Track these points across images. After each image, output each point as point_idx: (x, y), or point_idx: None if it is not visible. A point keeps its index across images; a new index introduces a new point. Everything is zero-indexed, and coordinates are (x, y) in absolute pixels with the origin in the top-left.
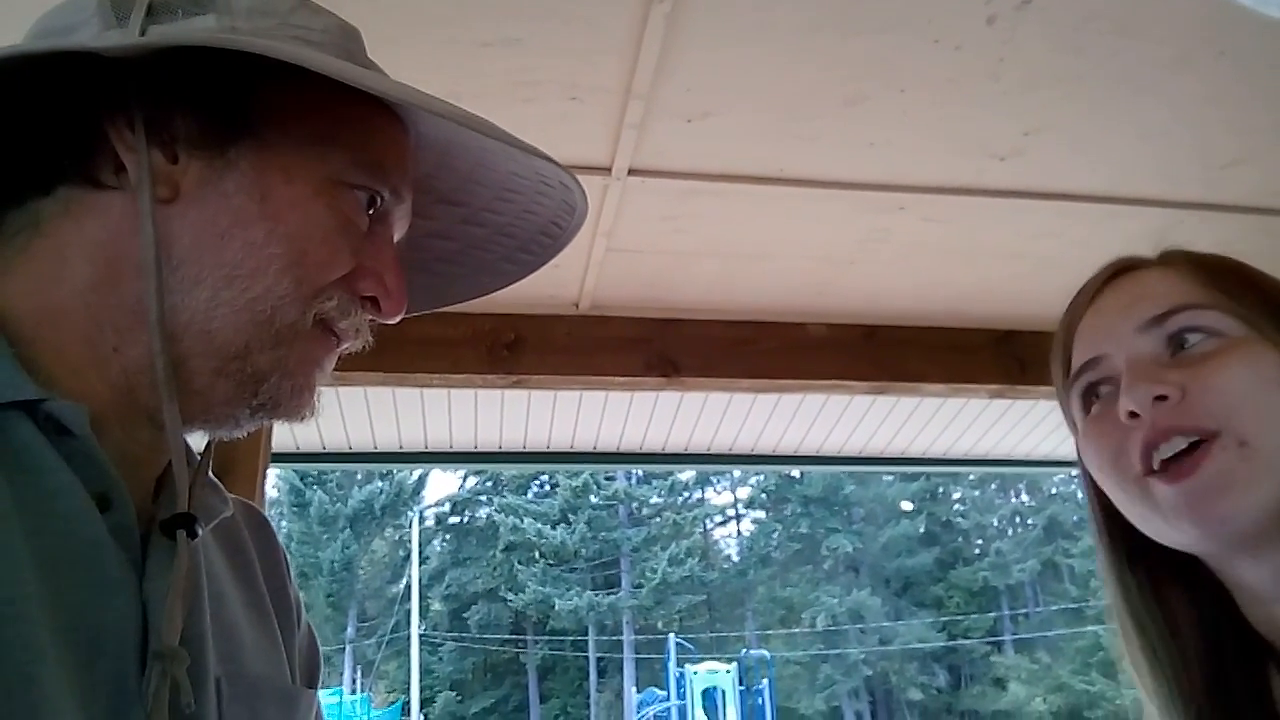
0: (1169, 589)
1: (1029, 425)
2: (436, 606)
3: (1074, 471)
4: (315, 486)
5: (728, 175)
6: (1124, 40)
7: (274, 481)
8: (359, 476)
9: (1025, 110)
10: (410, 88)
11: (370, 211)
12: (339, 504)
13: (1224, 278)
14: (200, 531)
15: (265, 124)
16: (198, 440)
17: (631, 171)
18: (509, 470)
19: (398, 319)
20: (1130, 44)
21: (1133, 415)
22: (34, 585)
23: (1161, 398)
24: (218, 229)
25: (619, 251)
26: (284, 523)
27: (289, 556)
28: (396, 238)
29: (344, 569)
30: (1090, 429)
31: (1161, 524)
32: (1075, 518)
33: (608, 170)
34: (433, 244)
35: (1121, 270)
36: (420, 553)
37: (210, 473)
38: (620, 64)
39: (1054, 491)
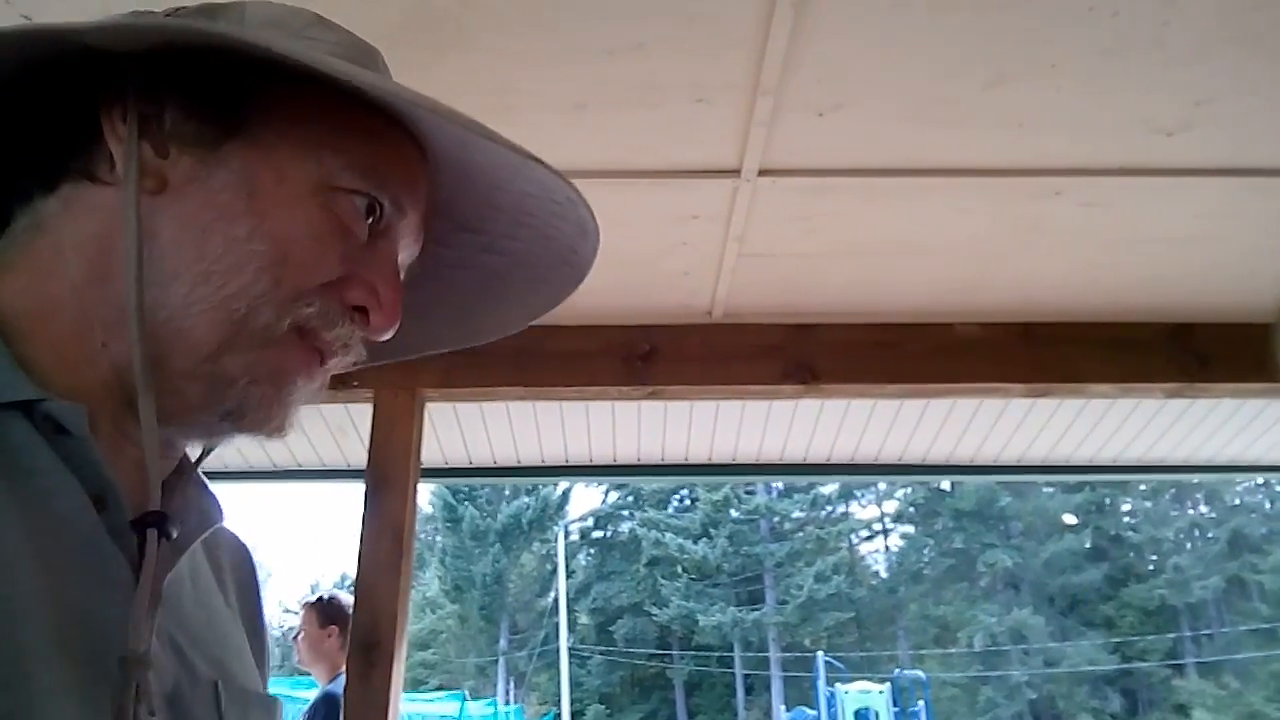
0: None
1: (1211, 427)
2: (584, 620)
3: (1260, 480)
4: (467, 502)
5: (863, 170)
6: None
7: (428, 498)
8: (507, 492)
9: (1195, 79)
10: (403, 86)
11: (370, 220)
12: (489, 519)
13: None
14: (174, 534)
15: (261, 124)
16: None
17: (762, 172)
18: (648, 484)
19: (388, 334)
20: None
21: None
22: (31, 584)
23: None
24: (200, 223)
25: (751, 256)
26: (438, 538)
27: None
28: (403, 255)
29: (495, 582)
30: None
31: None
32: (1264, 530)
33: (736, 172)
34: (456, 274)
35: None
36: (566, 567)
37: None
38: (747, 60)
39: (1237, 502)
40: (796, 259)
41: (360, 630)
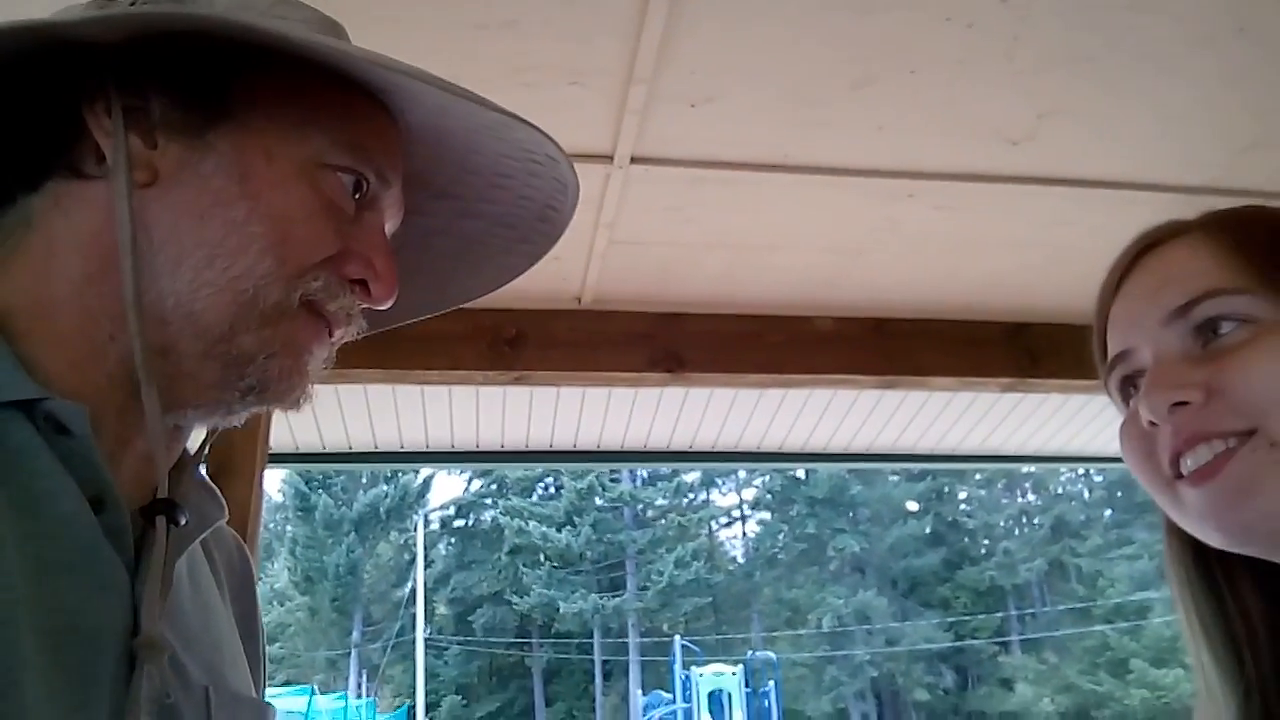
0: (1239, 576)
1: (1040, 419)
2: (442, 610)
3: (1081, 469)
4: (320, 490)
5: (732, 162)
6: (1142, 16)
7: (279, 485)
8: (364, 480)
9: (1039, 91)
10: (379, 54)
11: (356, 196)
12: (344, 508)
13: (1260, 247)
14: (183, 521)
15: (245, 107)
16: (198, 439)
17: (634, 159)
18: (512, 471)
19: (389, 303)
20: (1148, 20)
21: (1153, 424)
22: (24, 589)
23: (1181, 404)
24: (197, 210)
25: (622, 244)
26: (289, 527)
27: (257, 579)
28: (388, 225)
29: (349, 573)
30: (1124, 429)
31: (1194, 527)
32: (1082, 516)
33: (609, 158)
34: (434, 242)
35: (1149, 246)
36: (425, 556)
37: (207, 474)
38: (622, 47)
39: (1060, 490)
40: (666, 248)
41: None
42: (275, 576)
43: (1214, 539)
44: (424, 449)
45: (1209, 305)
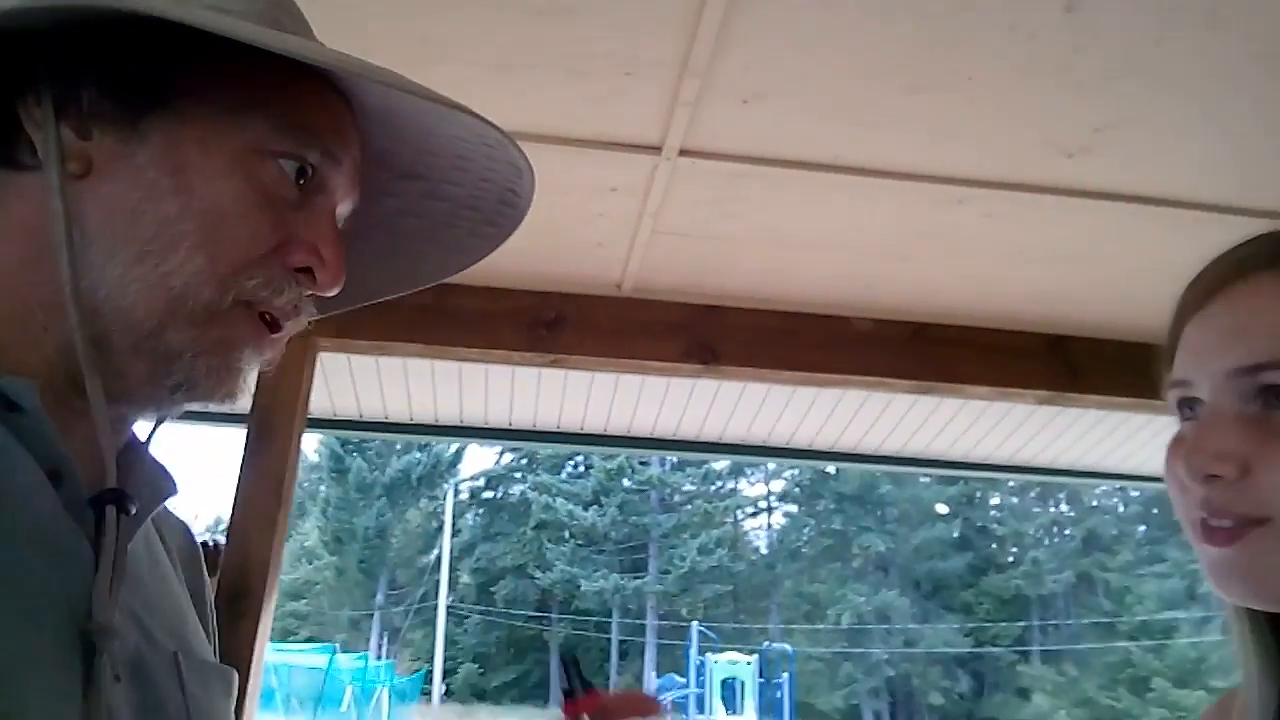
0: None
1: (1076, 434)
2: (465, 579)
3: (1118, 484)
4: (355, 454)
5: (781, 160)
6: (1211, 32)
7: (315, 447)
8: (398, 447)
9: (1099, 105)
10: (306, 43)
11: (301, 181)
12: (377, 472)
13: None
14: (133, 510)
15: (180, 94)
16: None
17: (683, 152)
18: (544, 449)
19: (334, 290)
20: (1217, 36)
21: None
22: None
23: (1214, 476)
24: (129, 204)
25: (665, 234)
26: (322, 487)
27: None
28: (341, 206)
29: (378, 536)
30: (1169, 448)
31: (1206, 575)
32: (1115, 531)
33: (658, 150)
34: (403, 222)
35: (1241, 273)
36: (453, 525)
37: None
38: (678, 38)
39: (1095, 504)
40: (708, 241)
41: (229, 578)
42: (306, 535)
43: (1218, 591)
44: (458, 423)
45: (1274, 375)
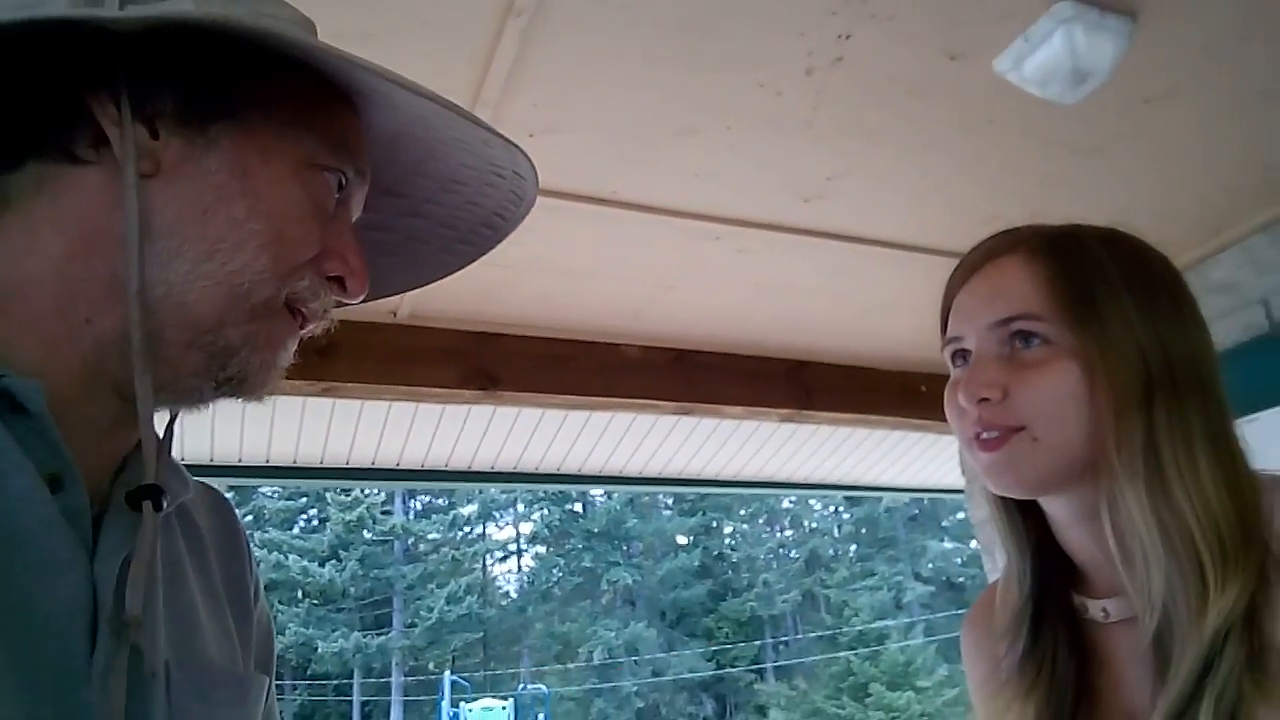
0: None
1: (811, 449)
2: None
3: (832, 507)
4: None
5: (563, 193)
6: (915, 103)
7: None
8: None
9: (832, 156)
10: (390, 70)
11: (338, 195)
12: None
13: (1068, 282)
14: (165, 505)
15: (245, 105)
16: (162, 418)
17: None
18: (276, 500)
19: (360, 298)
20: (921, 107)
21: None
22: None
23: (985, 399)
24: (201, 204)
25: None
26: None
27: (249, 540)
28: (354, 220)
29: None
30: (949, 391)
31: (979, 477)
32: (832, 550)
33: None
34: (371, 236)
35: (992, 254)
36: None
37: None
38: (472, 70)
39: (814, 525)
40: (487, 269)
41: None
42: None
43: (990, 488)
44: (208, 462)
45: (1022, 323)
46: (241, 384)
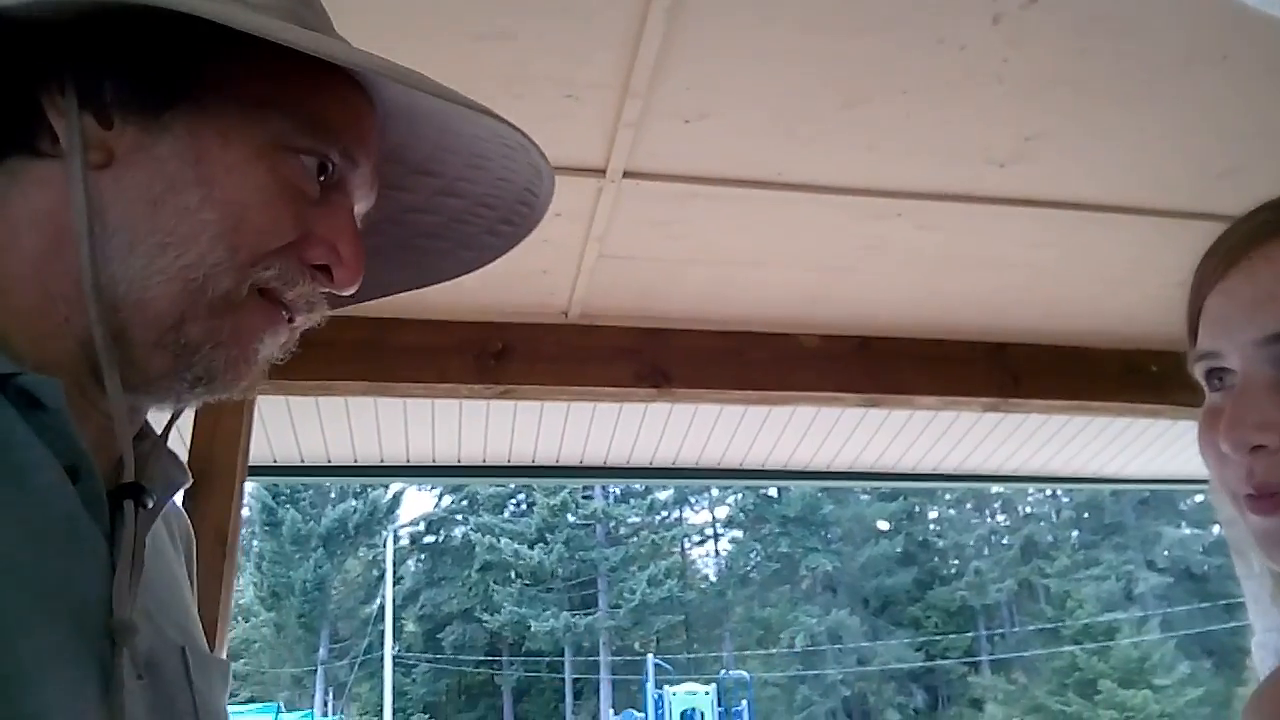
0: None
1: (1019, 440)
2: (411, 627)
3: (1049, 490)
4: (288, 505)
5: (723, 179)
6: (1130, 42)
7: (246, 499)
8: (333, 495)
9: (1028, 115)
10: (334, 41)
11: (322, 178)
12: (312, 523)
13: None
14: (151, 503)
15: (203, 87)
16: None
17: (626, 174)
18: (488, 487)
19: (352, 289)
20: (1136, 47)
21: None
22: (14, 556)
23: (1259, 447)
24: (151, 195)
25: (611, 258)
26: (255, 542)
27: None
28: (359, 206)
29: (316, 589)
30: (1202, 420)
31: (1253, 539)
32: (1050, 537)
33: (602, 172)
34: (415, 219)
35: (1258, 240)
36: (394, 573)
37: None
38: (618, 60)
39: (1029, 511)
40: (654, 263)
41: None
42: (240, 592)
43: (1267, 562)
44: (404, 463)
45: None
46: (211, 381)
